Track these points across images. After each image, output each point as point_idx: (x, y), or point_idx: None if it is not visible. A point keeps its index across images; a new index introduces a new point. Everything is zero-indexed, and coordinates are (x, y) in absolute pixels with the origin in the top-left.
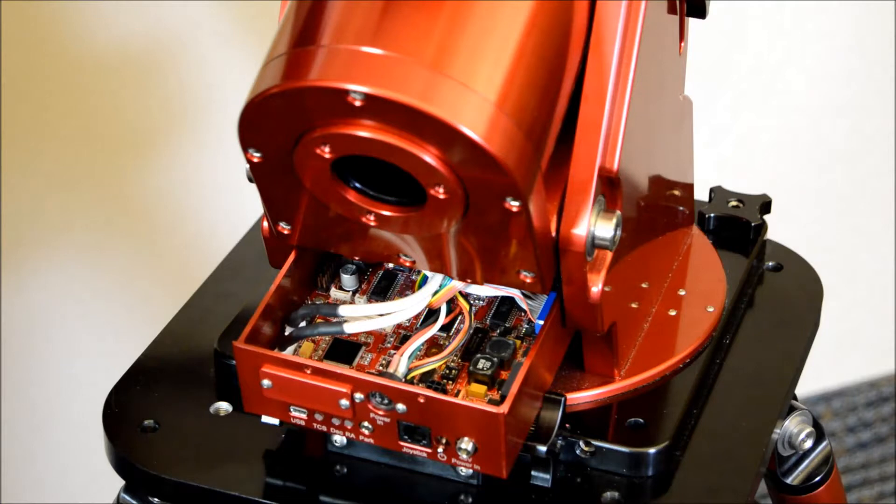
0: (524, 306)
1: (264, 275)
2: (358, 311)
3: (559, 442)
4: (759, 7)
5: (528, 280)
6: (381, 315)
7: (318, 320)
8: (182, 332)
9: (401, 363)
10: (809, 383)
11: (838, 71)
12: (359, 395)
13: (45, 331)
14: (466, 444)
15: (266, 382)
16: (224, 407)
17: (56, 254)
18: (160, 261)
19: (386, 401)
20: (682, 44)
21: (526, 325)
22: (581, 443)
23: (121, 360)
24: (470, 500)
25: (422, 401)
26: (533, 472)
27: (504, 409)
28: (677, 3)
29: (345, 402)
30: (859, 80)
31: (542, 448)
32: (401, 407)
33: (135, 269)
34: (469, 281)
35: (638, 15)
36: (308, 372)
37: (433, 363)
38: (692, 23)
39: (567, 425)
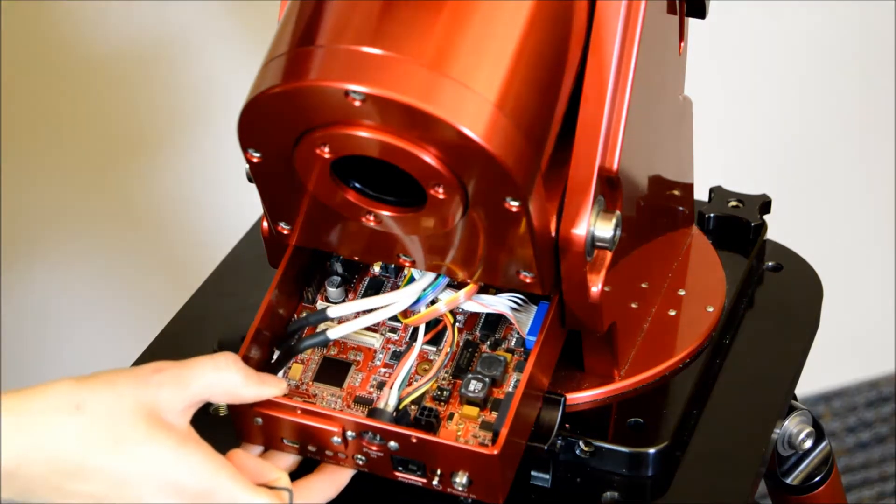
0: (513, 322)
1: (264, 275)
2: (348, 308)
3: (559, 442)
4: (760, 7)
5: (528, 280)
6: (374, 309)
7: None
8: (182, 332)
9: (391, 396)
10: (809, 383)
11: (839, 71)
12: (351, 433)
13: (45, 330)
14: (461, 477)
15: (258, 420)
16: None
17: (56, 254)
18: (160, 261)
19: (378, 438)
20: (682, 44)
21: (516, 336)
22: (581, 443)
23: (121, 360)
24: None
25: (414, 441)
26: (533, 472)
27: (496, 450)
28: (677, 3)
29: (337, 440)
30: (860, 80)
31: (543, 448)
32: (393, 444)
33: (135, 269)
34: (468, 279)
35: (638, 15)
36: (299, 412)
37: (422, 387)
38: (692, 23)
39: (567, 425)
